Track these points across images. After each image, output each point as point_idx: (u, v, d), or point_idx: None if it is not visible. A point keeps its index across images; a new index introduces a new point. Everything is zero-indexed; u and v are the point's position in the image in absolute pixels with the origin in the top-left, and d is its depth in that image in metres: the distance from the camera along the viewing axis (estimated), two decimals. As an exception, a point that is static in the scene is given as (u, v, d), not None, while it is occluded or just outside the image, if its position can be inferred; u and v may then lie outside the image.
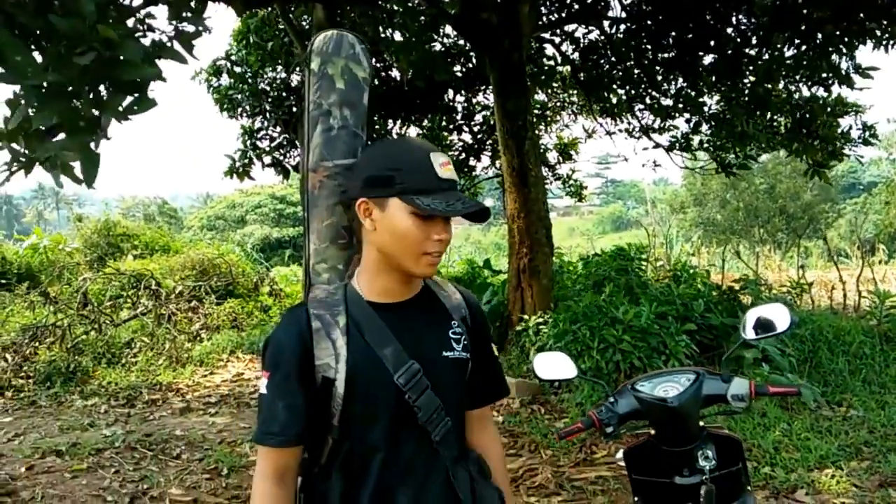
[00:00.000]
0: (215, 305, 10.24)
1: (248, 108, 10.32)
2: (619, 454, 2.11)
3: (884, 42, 7.21)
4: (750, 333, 1.92)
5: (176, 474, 4.46)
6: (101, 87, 2.81)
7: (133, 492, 4.17)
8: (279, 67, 10.24)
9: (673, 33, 7.98)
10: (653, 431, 1.99)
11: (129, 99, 2.82)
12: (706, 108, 8.86)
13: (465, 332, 1.44)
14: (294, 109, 10.20)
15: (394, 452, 1.33)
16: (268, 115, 10.42)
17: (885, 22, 6.91)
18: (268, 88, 10.46)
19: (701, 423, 1.97)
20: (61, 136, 2.83)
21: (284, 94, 10.31)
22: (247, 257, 15.95)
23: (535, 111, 10.57)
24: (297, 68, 9.74)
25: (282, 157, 10.71)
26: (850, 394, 5.46)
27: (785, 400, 4.98)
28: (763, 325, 1.91)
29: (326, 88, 1.45)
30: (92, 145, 2.82)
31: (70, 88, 2.68)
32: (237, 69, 10.29)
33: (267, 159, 10.56)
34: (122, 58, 2.66)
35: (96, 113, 2.82)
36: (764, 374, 5.10)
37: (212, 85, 10.21)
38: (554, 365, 2.04)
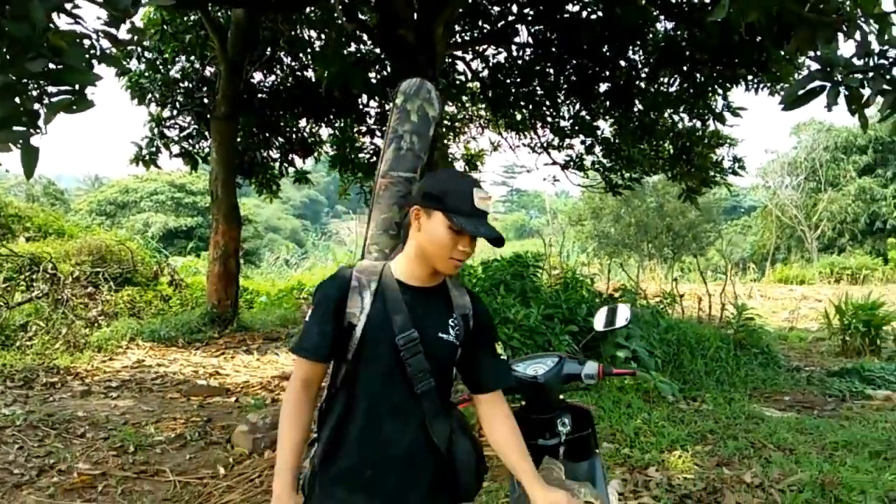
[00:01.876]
0: (113, 293, 10.12)
1: (157, 96, 10.23)
2: None
3: (753, 85, 8.27)
4: (598, 325, 2.45)
5: (82, 451, 4.60)
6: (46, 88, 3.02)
7: (40, 465, 4.31)
8: (193, 58, 10.23)
9: (573, 61, 8.73)
10: (524, 403, 2.47)
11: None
12: (599, 132, 9.67)
13: (462, 326, 1.81)
14: (206, 101, 10.21)
15: (386, 391, 1.73)
16: (178, 105, 10.38)
17: (754, 69, 7.91)
18: (179, 77, 10.43)
19: (561, 397, 2.47)
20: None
21: (198, 84, 10.31)
22: (146, 245, 15.59)
23: (445, 122, 11.09)
24: (213, 61, 9.79)
25: (191, 148, 10.68)
26: (705, 391, 6.28)
27: (647, 393, 5.69)
28: (609, 320, 2.44)
29: (403, 119, 2.01)
30: (32, 140, 3.03)
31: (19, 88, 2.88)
32: (148, 55, 10.19)
33: (175, 149, 10.51)
34: (67, 63, 2.89)
35: (37, 108, 3.03)
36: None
37: (123, 70, 10.05)
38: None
